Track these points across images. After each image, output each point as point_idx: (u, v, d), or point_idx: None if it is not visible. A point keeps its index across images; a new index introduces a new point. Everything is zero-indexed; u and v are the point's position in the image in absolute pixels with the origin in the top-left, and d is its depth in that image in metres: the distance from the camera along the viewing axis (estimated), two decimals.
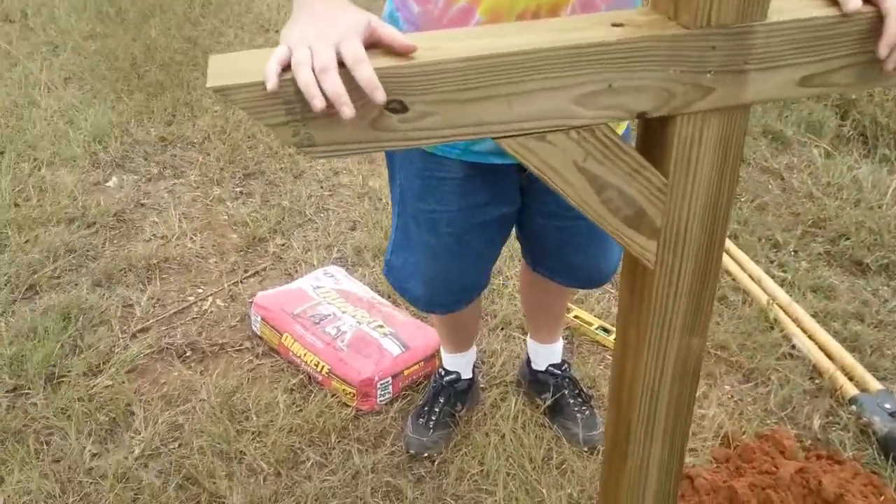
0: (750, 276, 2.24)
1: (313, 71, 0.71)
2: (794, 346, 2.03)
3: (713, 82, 0.80)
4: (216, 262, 2.41)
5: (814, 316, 2.10)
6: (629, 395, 1.05)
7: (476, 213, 1.37)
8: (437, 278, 1.49)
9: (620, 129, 1.32)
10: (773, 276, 2.24)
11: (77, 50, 3.99)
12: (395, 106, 0.77)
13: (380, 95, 0.72)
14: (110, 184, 2.82)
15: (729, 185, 0.88)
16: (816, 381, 1.94)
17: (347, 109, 0.71)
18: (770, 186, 2.74)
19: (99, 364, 2.03)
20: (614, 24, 0.80)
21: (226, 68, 0.76)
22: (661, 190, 0.86)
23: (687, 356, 1.01)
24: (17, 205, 2.63)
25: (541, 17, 1.10)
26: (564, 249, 1.48)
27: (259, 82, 0.73)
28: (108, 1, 4.48)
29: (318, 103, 0.71)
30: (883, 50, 0.81)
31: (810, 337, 2.03)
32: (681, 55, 0.78)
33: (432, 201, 1.36)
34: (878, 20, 0.82)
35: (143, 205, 2.70)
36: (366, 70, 0.72)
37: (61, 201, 2.65)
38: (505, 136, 0.81)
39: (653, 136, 0.87)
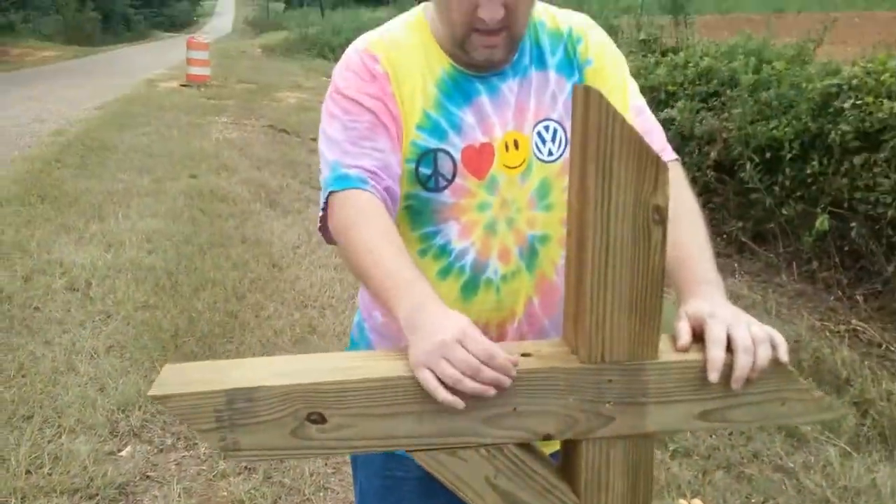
0: None
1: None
2: None
3: (613, 412, 0.86)
4: None
5: None
6: None
7: None
8: None
9: (550, 449, 1.26)
10: None
11: (127, 319, 4.24)
12: (315, 417, 0.84)
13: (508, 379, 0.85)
14: (123, 454, 2.88)
15: None
16: None
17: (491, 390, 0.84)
18: (784, 486, 2.64)
19: None
20: (523, 354, 0.88)
21: (172, 378, 0.85)
22: None
23: None
24: (28, 472, 2.67)
25: (490, 331, 1.20)
26: None
27: (193, 392, 0.82)
28: (167, 274, 4.83)
29: (491, 392, 0.84)
30: (735, 385, 0.86)
31: None
32: (580, 386, 0.85)
33: (392, 501, 1.36)
34: (772, 363, 0.88)
35: (148, 477, 2.72)
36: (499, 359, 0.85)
37: (71, 470, 2.69)
38: (416, 450, 0.86)
39: (566, 457, 0.91)
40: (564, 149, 1.19)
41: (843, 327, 4.13)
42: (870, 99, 4.19)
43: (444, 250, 1.19)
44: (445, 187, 1.16)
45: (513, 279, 1.19)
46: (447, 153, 1.16)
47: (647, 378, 0.86)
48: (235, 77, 16.67)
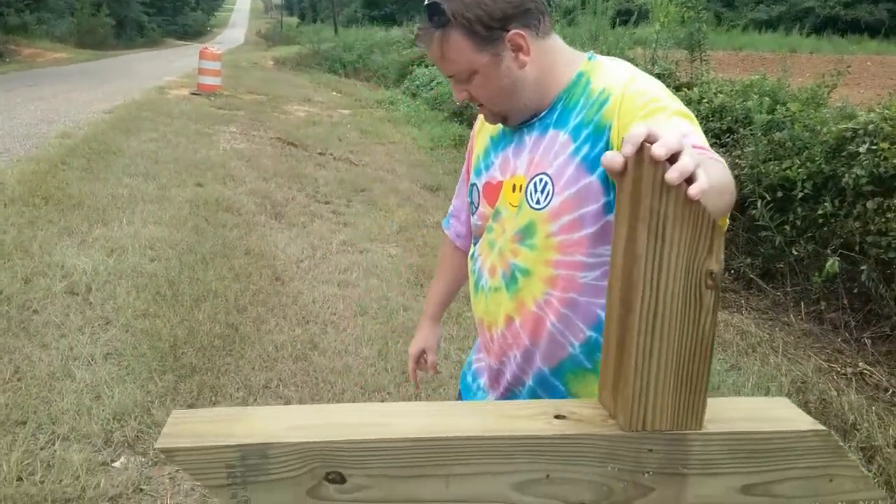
0: None
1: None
2: None
3: (652, 482, 0.81)
4: None
5: None
6: None
7: None
8: None
9: None
10: None
11: (126, 327, 4.18)
12: (334, 476, 0.79)
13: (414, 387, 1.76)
14: (117, 464, 2.82)
15: None
16: None
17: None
18: None
19: None
20: (557, 416, 0.83)
21: (180, 428, 0.79)
22: None
23: None
24: (20, 479, 2.62)
25: (483, 328, 1.51)
26: None
27: (204, 447, 0.76)
28: (168, 283, 4.75)
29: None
30: (672, 174, 0.74)
31: None
32: (618, 454, 0.81)
33: None
34: (821, 437, 0.84)
35: (141, 490, 2.66)
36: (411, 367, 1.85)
37: (63, 479, 2.63)
38: None
39: None
40: (549, 201, 1.34)
41: (849, 370, 4.09)
42: (885, 145, 4.17)
43: (473, 256, 1.56)
44: (475, 212, 1.53)
45: (495, 293, 1.45)
46: (476, 186, 1.52)
47: (690, 448, 0.81)
48: (245, 88, 16.71)
